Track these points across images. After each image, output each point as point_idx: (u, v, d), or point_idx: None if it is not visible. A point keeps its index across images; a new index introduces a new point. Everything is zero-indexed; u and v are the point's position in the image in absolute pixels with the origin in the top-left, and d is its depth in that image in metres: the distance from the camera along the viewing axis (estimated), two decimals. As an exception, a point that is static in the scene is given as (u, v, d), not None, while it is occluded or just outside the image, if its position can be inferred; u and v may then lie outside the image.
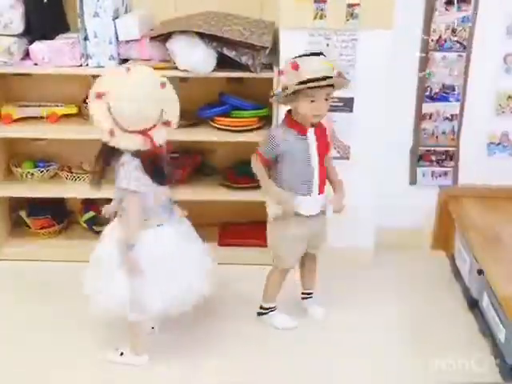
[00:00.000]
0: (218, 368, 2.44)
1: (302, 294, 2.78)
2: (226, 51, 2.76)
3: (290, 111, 2.43)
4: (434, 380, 2.34)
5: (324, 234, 2.61)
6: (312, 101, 2.29)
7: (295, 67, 2.26)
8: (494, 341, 2.46)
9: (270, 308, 2.68)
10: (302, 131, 2.38)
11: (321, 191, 2.46)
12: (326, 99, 2.33)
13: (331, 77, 2.26)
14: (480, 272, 2.62)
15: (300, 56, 2.31)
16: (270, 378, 2.41)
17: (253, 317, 2.72)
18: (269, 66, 2.86)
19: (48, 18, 2.92)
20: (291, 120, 2.40)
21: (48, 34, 2.90)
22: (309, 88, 2.24)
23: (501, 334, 2.39)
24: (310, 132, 2.39)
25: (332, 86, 2.31)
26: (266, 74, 2.83)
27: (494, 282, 2.49)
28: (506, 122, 3.07)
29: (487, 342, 2.54)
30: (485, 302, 2.58)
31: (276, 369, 2.45)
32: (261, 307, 2.69)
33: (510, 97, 3.03)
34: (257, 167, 2.49)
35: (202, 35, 2.73)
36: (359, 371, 2.43)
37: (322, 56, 2.32)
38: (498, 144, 3.12)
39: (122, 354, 2.45)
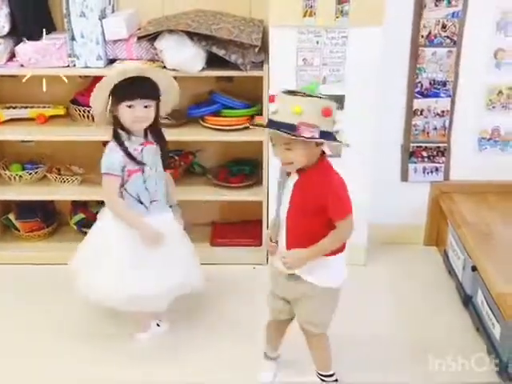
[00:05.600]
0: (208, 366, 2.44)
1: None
2: (215, 50, 2.73)
3: None
4: (433, 380, 2.32)
5: (304, 307, 2.14)
6: (273, 144, 2.00)
7: (271, 100, 1.96)
8: (489, 338, 2.46)
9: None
10: (288, 173, 2.06)
11: (288, 247, 2.07)
12: (288, 149, 1.93)
13: (282, 124, 1.89)
14: (474, 269, 2.62)
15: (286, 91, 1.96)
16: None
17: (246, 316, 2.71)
18: (259, 65, 2.83)
19: (33, 19, 2.87)
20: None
21: (34, 35, 2.85)
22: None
23: (496, 332, 2.39)
24: (292, 178, 2.04)
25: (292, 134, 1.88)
26: (255, 73, 2.81)
27: (488, 279, 2.48)
28: (496, 116, 3.07)
29: (482, 339, 2.54)
30: (479, 299, 2.58)
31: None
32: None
33: (500, 92, 3.02)
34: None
35: (190, 34, 2.70)
36: (357, 368, 2.40)
37: (298, 96, 1.91)
38: (489, 139, 3.11)
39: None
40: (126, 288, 2.36)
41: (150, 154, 2.39)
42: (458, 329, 2.66)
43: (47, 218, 3.26)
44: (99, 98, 2.30)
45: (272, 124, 1.92)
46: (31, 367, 2.44)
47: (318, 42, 2.72)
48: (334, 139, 1.94)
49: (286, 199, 2.05)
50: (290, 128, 1.87)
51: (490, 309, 2.44)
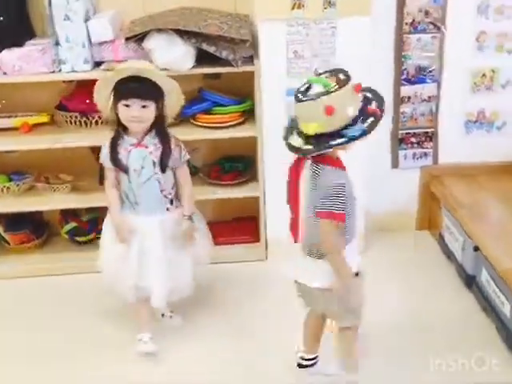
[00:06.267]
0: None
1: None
2: (205, 47, 2.70)
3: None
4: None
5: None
6: None
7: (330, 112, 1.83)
8: (498, 316, 2.50)
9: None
10: (343, 165, 2.01)
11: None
12: None
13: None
14: (476, 249, 2.66)
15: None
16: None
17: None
18: (248, 59, 2.81)
19: (14, 26, 2.79)
20: (331, 157, 1.96)
21: (15, 42, 2.77)
22: None
23: (505, 309, 2.43)
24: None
25: None
26: (246, 68, 2.79)
27: (493, 257, 2.53)
28: (481, 99, 3.12)
29: (489, 318, 2.58)
30: (483, 278, 2.62)
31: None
32: None
33: (483, 74, 3.07)
34: (334, 239, 1.98)
35: (179, 32, 2.67)
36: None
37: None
38: (475, 121, 3.17)
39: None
40: (108, 275, 2.49)
41: (139, 157, 2.33)
42: (464, 309, 2.69)
43: (36, 229, 3.19)
44: (100, 96, 2.31)
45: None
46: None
47: (307, 34, 2.73)
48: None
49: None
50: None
51: (498, 287, 2.48)
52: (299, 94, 1.88)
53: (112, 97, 2.27)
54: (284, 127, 2.01)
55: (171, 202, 2.43)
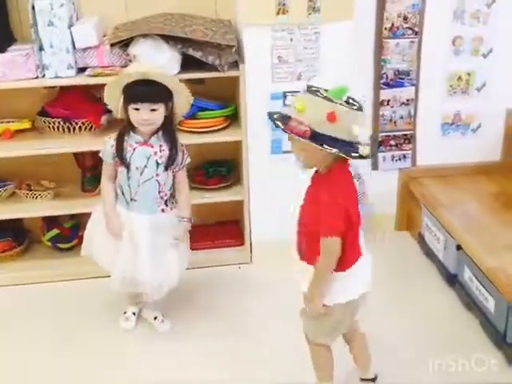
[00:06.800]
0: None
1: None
2: (191, 52, 2.72)
3: None
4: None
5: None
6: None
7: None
8: (482, 312, 2.57)
9: None
10: None
11: (301, 257, 2.04)
12: (292, 144, 1.96)
13: (278, 114, 1.89)
14: (459, 247, 2.73)
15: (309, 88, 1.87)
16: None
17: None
18: (233, 65, 2.83)
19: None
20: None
21: (-3, 48, 2.74)
22: None
23: (489, 305, 2.50)
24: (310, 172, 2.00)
25: None
26: (231, 73, 2.81)
27: (475, 256, 2.61)
28: (457, 102, 3.21)
29: (473, 314, 2.66)
30: (466, 276, 2.69)
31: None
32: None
33: (459, 78, 3.16)
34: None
35: (165, 37, 2.67)
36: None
37: (310, 95, 1.85)
38: (452, 124, 3.25)
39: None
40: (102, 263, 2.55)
41: (143, 155, 2.38)
42: (448, 307, 2.76)
43: (17, 237, 3.14)
44: (111, 97, 2.35)
45: (271, 114, 1.89)
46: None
47: (291, 39, 2.77)
48: (335, 146, 1.79)
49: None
50: (283, 119, 1.85)
51: (481, 284, 2.56)
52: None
53: (122, 98, 2.31)
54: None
55: (166, 202, 2.47)
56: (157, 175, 2.40)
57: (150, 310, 2.69)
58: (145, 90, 2.26)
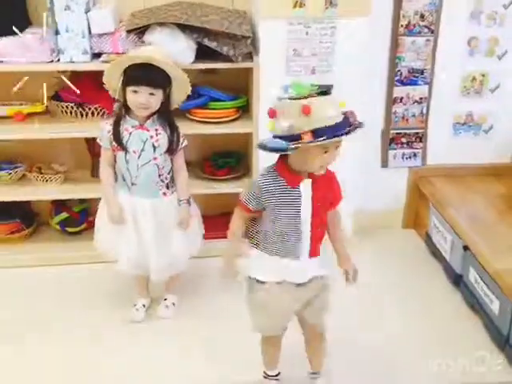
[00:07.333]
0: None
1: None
2: (207, 42, 2.71)
3: (282, 156, 1.94)
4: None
5: (321, 302, 2.12)
6: (325, 151, 1.84)
7: (307, 111, 1.77)
8: (486, 313, 2.58)
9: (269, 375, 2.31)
10: (294, 183, 1.93)
11: (312, 253, 2.02)
12: (337, 147, 1.88)
13: (350, 125, 1.84)
14: (466, 248, 2.73)
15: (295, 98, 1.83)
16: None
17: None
18: (247, 56, 2.83)
19: (10, 14, 2.76)
20: (284, 167, 1.93)
21: (12, 30, 2.73)
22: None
23: (494, 307, 2.50)
24: (306, 183, 1.93)
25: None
26: (245, 64, 2.81)
27: (482, 257, 2.60)
28: (470, 102, 3.20)
29: (476, 316, 2.66)
30: (472, 277, 2.69)
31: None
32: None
33: (474, 78, 3.15)
34: (233, 219, 2.08)
35: (181, 26, 2.67)
36: (349, 362, 2.41)
37: (329, 96, 1.85)
38: (463, 124, 3.25)
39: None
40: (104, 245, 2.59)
41: (139, 139, 2.40)
42: (452, 307, 2.77)
43: (26, 219, 3.16)
44: (110, 78, 2.38)
45: (337, 129, 1.80)
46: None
47: (307, 33, 2.76)
48: None
49: (305, 204, 1.94)
50: (349, 124, 1.83)
51: (487, 286, 2.56)
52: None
53: (121, 80, 2.33)
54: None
55: (167, 186, 2.50)
56: (154, 159, 2.42)
57: (170, 292, 2.74)
58: (145, 74, 2.29)
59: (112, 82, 2.38)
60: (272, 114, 1.86)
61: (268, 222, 1.99)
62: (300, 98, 1.81)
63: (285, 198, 1.94)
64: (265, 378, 2.30)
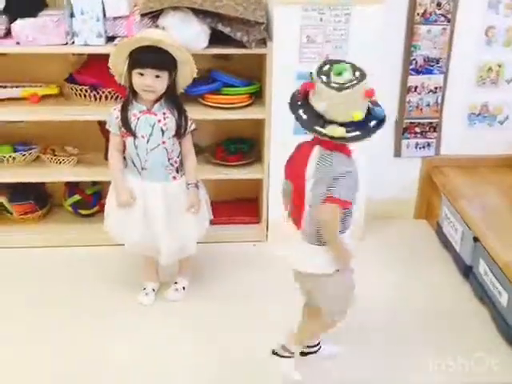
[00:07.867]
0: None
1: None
2: (220, 27, 2.71)
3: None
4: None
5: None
6: None
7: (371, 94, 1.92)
8: (494, 306, 2.56)
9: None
10: (350, 152, 1.99)
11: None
12: None
13: None
14: (476, 239, 2.72)
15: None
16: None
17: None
18: (260, 42, 2.83)
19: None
20: (335, 143, 1.92)
21: (28, 12, 2.76)
22: None
23: (503, 299, 2.49)
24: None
25: None
26: (259, 50, 2.81)
27: (492, 249, 2.59)
28: (486, 93, 3.17)
29: (485, 308, 2.65)
30: (481, 269, 2.68)
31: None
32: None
33: (490, 68, 3.11)
34: (335, 225, 1.96)
35: (195, 11, 2.67)
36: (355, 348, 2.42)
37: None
38: (478, 115, 3.21)
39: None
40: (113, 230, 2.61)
41: (147, 123, 2.41)
42: (460, 298, 2.76)
43: (39, 201, 3.19)
44: (116, 61, 2.38)
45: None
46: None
47: (321, 20, 2.74)
48: None
49: None
50: None
51: (496, 277, 2.54)
52: (336, 83, 1.85)
53: (127, 63, 2.33)
54: (304, 119, 1.92)
55: (177, 170, 2.51)
56: (163, 142, 2.43)
57: (182, 275, 2.76)
58: (151, 56, 2.29)
59: (118, 66, 2.38)
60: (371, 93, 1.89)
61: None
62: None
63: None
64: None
